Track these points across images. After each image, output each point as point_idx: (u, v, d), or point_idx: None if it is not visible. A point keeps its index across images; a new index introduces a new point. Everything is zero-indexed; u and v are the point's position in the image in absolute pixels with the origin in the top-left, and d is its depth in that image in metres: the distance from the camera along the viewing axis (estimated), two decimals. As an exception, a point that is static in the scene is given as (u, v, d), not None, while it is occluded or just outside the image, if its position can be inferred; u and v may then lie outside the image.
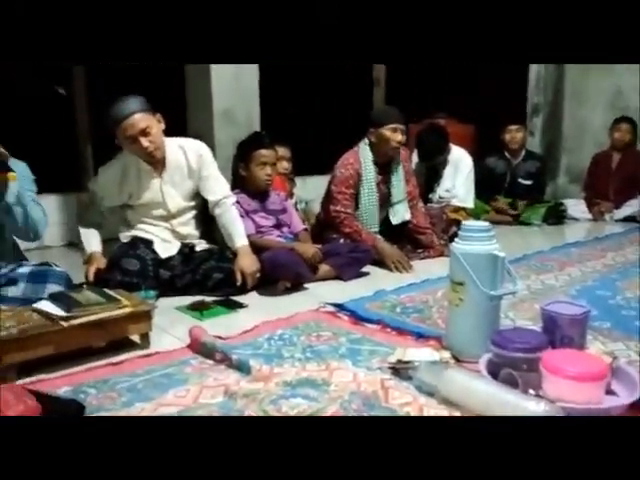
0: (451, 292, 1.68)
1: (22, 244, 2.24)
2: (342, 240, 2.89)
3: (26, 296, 1.92)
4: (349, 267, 2.63)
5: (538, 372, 1.34)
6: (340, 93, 6.12)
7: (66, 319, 1.65)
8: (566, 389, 1.27)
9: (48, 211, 2.16)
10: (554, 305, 1.63)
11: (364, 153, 2.97)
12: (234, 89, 3.15)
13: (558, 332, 1.56)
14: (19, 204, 1.96)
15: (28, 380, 1.56)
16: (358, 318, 2.04)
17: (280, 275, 2.39)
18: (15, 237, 2.17)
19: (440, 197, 3.78)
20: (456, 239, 1.70)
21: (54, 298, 1.78)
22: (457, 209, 3.68)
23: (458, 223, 2.64)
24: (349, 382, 1.52)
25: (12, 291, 1.95)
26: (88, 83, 4.21)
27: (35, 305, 1.76)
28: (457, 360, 1.64)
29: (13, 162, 2.03)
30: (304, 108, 6.33)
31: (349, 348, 1.77)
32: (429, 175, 3.78)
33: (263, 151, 2.62)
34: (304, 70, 6.15)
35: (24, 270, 2.02)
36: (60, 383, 1.54)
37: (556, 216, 4.28)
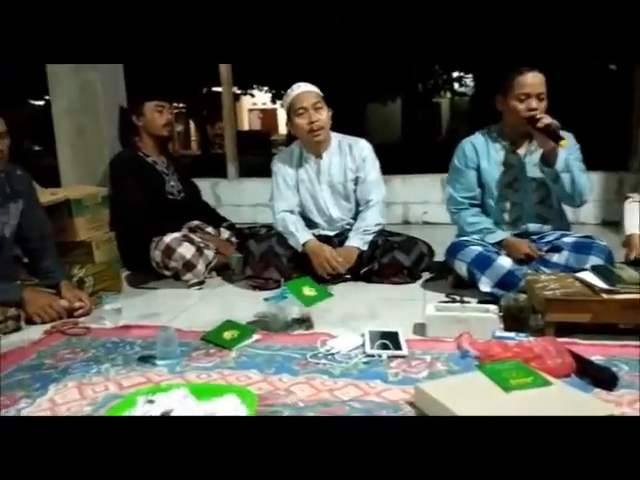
0: None
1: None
2: None
3: (569, 264, 2.07)
4: None
5: None
6: None
7: (608, 292, 1.70)
8: None
9: (589, 187, 2.21)
10: None
11: None
12: None
13: None
14: (567, 171, 2.10)
15: (563, 340, 1.68)
16: None
17: None
18: (562, 203, 2.32)
19: None
20: None
21: (596, 270, 1.84)
22: None
23: None
24: None
25: (556, 257, 2.13)
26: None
27: (577, 274, 1.87)
28: None
29: (562, 133, 2.17)
30: None
31: None
32: None
33: None
34: None
35: (569, 240, 2.17)
36: (592, 350, 1.61)
37: None
